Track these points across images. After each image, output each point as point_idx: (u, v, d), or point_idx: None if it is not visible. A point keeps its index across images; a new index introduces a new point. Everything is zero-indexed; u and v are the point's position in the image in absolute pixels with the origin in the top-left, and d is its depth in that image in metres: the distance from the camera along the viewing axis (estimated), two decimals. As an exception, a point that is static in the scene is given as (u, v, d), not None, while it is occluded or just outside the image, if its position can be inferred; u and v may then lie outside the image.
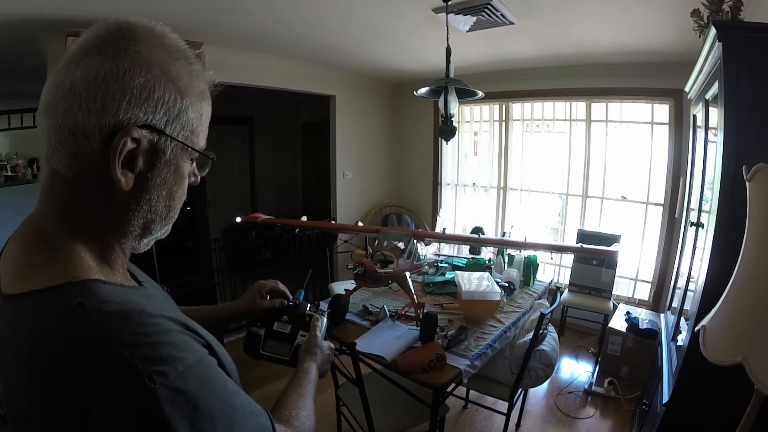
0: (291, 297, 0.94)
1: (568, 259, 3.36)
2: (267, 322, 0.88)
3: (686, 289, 1.72)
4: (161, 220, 0.54)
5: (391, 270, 1.64)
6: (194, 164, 0.57)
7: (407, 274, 1.75)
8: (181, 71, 0.51)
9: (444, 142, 3.38)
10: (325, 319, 0.91)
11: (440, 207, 4.27)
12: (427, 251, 2.05)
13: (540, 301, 2.15)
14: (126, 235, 0.52)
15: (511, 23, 2.24)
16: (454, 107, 1.97)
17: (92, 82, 0.45)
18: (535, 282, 2.37)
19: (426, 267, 2.22)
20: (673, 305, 2.15)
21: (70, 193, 0.48)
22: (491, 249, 2.56)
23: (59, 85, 0.46)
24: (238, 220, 2.16)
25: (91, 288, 0.44)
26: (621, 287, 3.32)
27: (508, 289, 2.11)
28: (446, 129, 2.01)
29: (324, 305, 1.86)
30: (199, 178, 0.60)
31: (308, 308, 0.91)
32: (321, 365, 0.81)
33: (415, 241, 1.81)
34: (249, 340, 0.87)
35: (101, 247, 0.51)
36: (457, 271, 2.24)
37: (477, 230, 2.38)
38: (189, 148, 0.53)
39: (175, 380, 0.40)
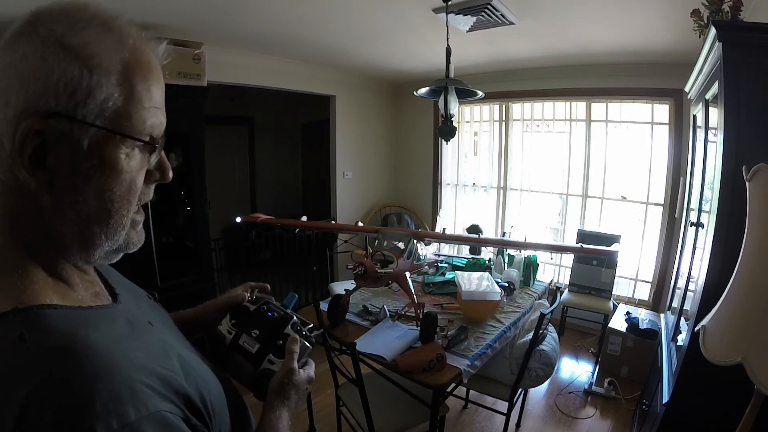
0: (274, 308, 0.75)
1: (568, 259, 3.36)
2: (238, 327, 0.72)
3: (686, 289, 1.71)
4: (101, 227, 0.46)
5: (391, 270, 1.64)
6: (152, 156, 0.48)
7: (407, 274, 1.75)
8: (90, 40, 0.42)
9: (444, 142, 3.38)
10: (307, 344, 0.73)
11: (440, 207, 4.27)
12: (427, 251, 2.05)
13: (540, 301, 2.15)
14: (66, 247, 0.45)
15: (511, 23, 2.24)
16: (454, 107, 1.97)
17: None
18: (535, 282, 2.37)
19: (426, 267, 2.22)
20: (673, 305, 2.15)
21: (4, 204, 0.44)
22: (491, 249, 2.56)
23: None
24: (238, 220, 2.16)
25: (36, 317, 0.40)
26: (621, 287, 3.32)
27: (508, 289, 2.11)
28: (446, 129, 2.01)
29: (324, 305, 1.87)
30: (168, 174, 0.51)
31: (290, 325, 0.72)
32: (294, 408, 0.67)
33: (415, 241, 1.81)
34: (214, 343, 0.73)
35: (51, 262, 0.45)
36: (457, 271, 2.24)
37: (474, 229, 2.37)
38: (119, 135, 0.43)
39: None
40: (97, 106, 0.42)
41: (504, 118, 3.82)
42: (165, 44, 0.49)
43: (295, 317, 0.75)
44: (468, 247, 2.62)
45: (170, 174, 0.51)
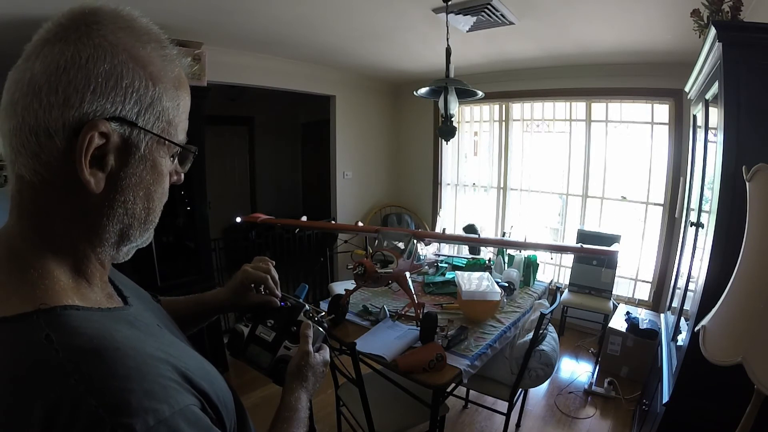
0: (279, 296, 0.79)
1: (568, 259, 3.36)
2: (253, 320, 0.76)
3: (686, 289, 1.72)
4: (140, 224, 0.49)
5: (391, 270, 1.64)
6: (175, 160, 0.52)
7: (407, 274, 1.75)
8: (152, 55, 0.46)
9: (444, 142, 3.38)
10: (321, 329, 0.77)
11: (440, 207, 4.27)
12: (427, 251, 2.05)
13: (540, 301, 2.15)
14: (102, 243, 0.47)
15: (511, 23, 2.24)
16: (454, 107, 1.97)
17: (53, 74, 0.40)
18: (535, 282, 2.37)
19: (426, 267, 2.22)
20: (673, 305, 2.15)
21: (38, 201, 0.44)
22: (491, 249, 2.56)
23: (19, 81, 0.42)
24: (238, 220, 2.16)
25: (61, 317, 0.40)
26: (621, 287, 3.32)
27: (508, 289, 2.11)
28: (446, 129, 2.01)
29: (324, 305, 1.87)
30: (182, 176, 0.55)
31: (302, 313, 0.77)
32: (312, 389, 0.71)
33: (415, 241, 1.81)
34: (232, 338, 0.77)
35: (77, 260, 0.46)
36: (457, 271, 2.24)
37: (470, 229, 2.37)
38: (167, 142, 0.48)
39: None
40: (155, 115, 0.46)
41: (504, 118, 3.82)
42: (189, 60, 0.52)
43: (307, 305, 0.78)
44: (468, 247, 2.62)
45: (183, 176, 0.55)
